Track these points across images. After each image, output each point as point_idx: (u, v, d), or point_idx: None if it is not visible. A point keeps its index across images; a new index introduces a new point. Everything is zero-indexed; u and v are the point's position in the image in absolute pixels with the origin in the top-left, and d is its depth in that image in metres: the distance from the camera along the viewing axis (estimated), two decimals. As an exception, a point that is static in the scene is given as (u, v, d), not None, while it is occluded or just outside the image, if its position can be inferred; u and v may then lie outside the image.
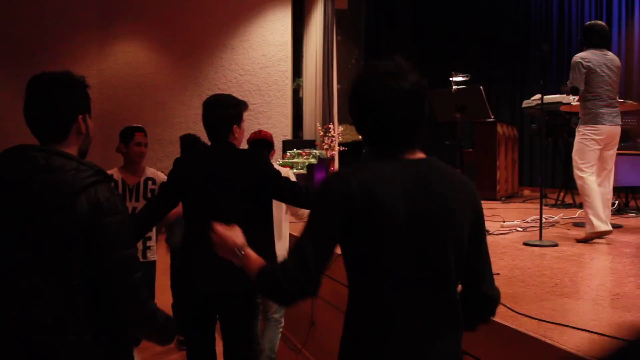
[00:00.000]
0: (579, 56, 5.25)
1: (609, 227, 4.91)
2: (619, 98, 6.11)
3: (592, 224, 4.88)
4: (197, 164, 3.23)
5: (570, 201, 8.20)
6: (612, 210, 6.87)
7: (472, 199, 1.78)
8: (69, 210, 1.81)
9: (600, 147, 5.18)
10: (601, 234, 4.88)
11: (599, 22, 5.45)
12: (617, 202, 7.17)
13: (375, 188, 1.65)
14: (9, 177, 1.87)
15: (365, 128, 1.77)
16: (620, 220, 6.35)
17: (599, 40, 5.27)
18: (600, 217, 4.88)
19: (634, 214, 6.98)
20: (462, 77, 6.03)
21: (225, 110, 3.20)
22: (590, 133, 5.16)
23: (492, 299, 1.86)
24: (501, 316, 2.53)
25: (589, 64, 5.18)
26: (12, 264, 1.83)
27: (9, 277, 1.84)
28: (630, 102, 6.23)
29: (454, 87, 5.79)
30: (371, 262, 1.68)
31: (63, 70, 2.10)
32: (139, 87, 14.09)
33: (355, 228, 1.65)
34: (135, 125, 4.55)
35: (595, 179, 5.13)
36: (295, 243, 1.69)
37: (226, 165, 3.12)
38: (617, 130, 5.23)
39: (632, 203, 7.72)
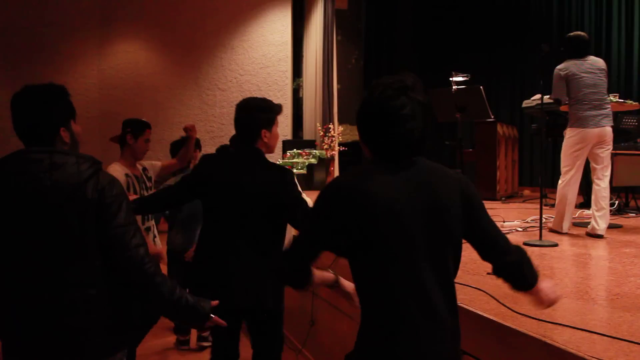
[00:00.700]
0: (557, 67, 5.48)
1: (564, 230, 5.36)
2: (619, 98, 6.12)
3: (556, 223, 5.41)
4: (222, 166, 3.17)
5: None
6: (612, 211, 6.89)
7: (459, 187, 1.90)
8: (79, 198, 2.05)
9: (583, 149, 5.35)
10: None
11: (578, 33, 5.63)
12: (617, 202, 7.17)
13: (373, 190, 1.76)
14: (20, 179, 2.07)
15: (365, 137, 1.89)
16: (620, 220, 6.35)
17: (579, 50, 5.45)
18: (561, 219, 5.36)
19: (634, 214, 6.98)
20: (462, 77, 6.04)
21: (254, 114, 3.11)
22: (574, 137, 5.36)
23: (510, 264, 2.03)
24: (501, 316, 2.53)
25: (566, 72, 5.43)
26: (39, 255, 2.05)
27: (37, 267, 2.05)
28: (630, 102, 6.23)
29: (454, 87, 5.80)
30: (375, 259, 1.77)
31: (44, 83, 2.27)
32: (139, 87, 14.09)
33: (356, 230, 1.76)
34: (144, 120, 4.49)
35: (573, 180, 5.39)
36: (295, 241, 1.89)
37: (249, 176, 3.05)
38: (605, 131, 5.33)
39: (632, 203, 7.72)
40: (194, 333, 5.41)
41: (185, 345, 5.37)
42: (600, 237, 5.10)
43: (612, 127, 5.39)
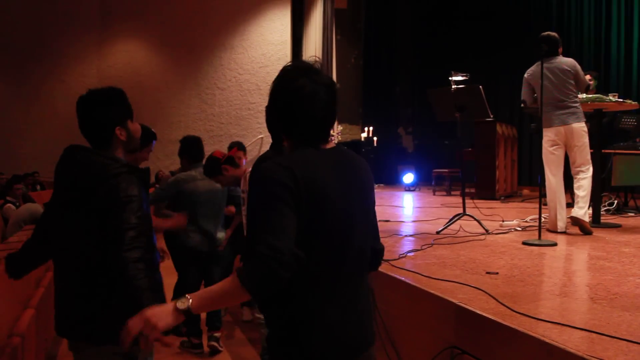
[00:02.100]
0: (526, 72, 5.76)
1: (560, 230, 5.43)
2: (619, 97, 6.12)
3: (551, 223, 5.51)
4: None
5: (569, 201, 8.19)
6: (611, 210, 6.90)
7: (370, 176, 2.05)
8: (97, 194, 2.32)
9: (558, 147, 5.54)
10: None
11: (547, 33, 5.72)
12: (616, 201, 7.18)
13: (312, 172, 1.82)
14: (61, 171, 2.48)
15: (291, 121, 1.89)
16: (619, 220, 6.36)
17: (549, 51, 5.54)
18: (553, 219, 5.47)
19: (633, 214, 6.99)
20: (462, 76, 6.03)
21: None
22: (545, 136, 5.54)
23: (380, 251, 2.15)
24: (500, 315, 2.54)
25: (530, 76, 5.70)
26: (64, 241, 2.41)
27: (62, 254, 2.42)
28: (629, 101, 6.23)
29: (453, 86, 5.79)
30: (313, 237, 1.80)
31: (104, 87, 2.57)
32: (139, 86, 14.09)
33: (300, 208, 1.78)
34: (152, 130, 4.40)
35: (554, 180, 5.55)
36: (262, 230, 1.72)
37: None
38: (570, 129, 5.46)
39: (631, 202, 7.73)
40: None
41: (199, 348, 5.32)
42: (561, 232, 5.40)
43: (582, 123, 5.51)
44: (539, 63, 5.47)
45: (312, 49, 14.10)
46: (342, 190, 1.86)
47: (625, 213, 7.02)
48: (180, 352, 5.27)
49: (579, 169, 5.52)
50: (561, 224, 5.44)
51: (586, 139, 5.50)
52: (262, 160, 3.06)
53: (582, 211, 5.36)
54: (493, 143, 9.39)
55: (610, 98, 6.11)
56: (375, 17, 16.09)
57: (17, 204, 9.87)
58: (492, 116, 6.12)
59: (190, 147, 5.42)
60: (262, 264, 1.65)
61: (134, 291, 2.16)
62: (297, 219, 1.74)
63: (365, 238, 1.96)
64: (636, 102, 6.23)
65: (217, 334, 5.34)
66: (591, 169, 5.55)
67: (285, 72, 1.92)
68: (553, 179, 5.54)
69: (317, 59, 1.98)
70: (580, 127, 5.45)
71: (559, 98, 5.49)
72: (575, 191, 5.50)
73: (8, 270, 2.66)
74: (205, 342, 5.32)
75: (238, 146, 6.01)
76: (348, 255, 1.88)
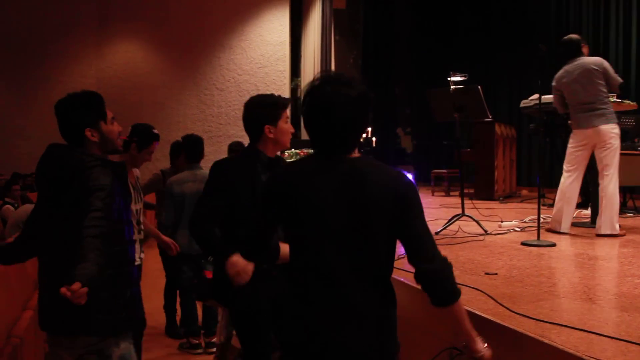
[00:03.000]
0: (553, 80, 5.71)
1: (562, 230, 5.42)
2: (617, 98, 6.13)
3: (554, 222, 5.51)
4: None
5: (579, 201, 8.18)
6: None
7: (394, 187, 1.94)
8: (73, 185, 2.47)
9: (583, 150, 5.50)
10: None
11: (570, 36, 5.76)
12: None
13: (301, 183, 1.93)
14: (42, 167, 2.62)
15: (314, 128, 1.96)
16: (618, 220, 6.35)
17: (569, 53, 5.59)
18: (556, 217, 5.47)
19: (631, 214, 6.99)
20: (460, 77, 6.03)
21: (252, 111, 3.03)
22: (572, 137, 5.56)
23: (423, 274, 1.94)
24: (500, 316, 2.54)
25: (556, 83, 5.66)
26: (46, 235, 2.57)
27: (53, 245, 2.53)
28: (627, 102, 6.24)
29: (452, 87, 5.79)
30: (294, 242, 2.00)
31: (82, 91, 2.73)
32: (137, 86, 14.08)
33: (285, 219, 2.00)
34: (154, 130, 4.36)
35: (567, 178, 5.55)
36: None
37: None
38: (597, 131, 5.40)
39: (629, 203, 7.72)
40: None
41: (197, 348, 5.31)
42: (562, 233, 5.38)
43: (612, 125, 5.41)
44: (565, 66, 5.51)
45: (311, 49, 14.11)
46: (326, 202, 1.90)
47: (624, 214, 7.02)
48: (179, 352, 5.27)
49: (603, 171, 5.45)
50: (567, 225, 5.42)
51: (615, 141, 5.42)
52: (219, 163, 3.07)
53: (607, 227, 5.27)
54: (492, 143, 9.38)
55: (610, 98, 6.11)
56: (373, 18, 16.10)
57: (16, 205, 9.86)
58: (490, 116, 6.13)
59: (194, 146, 5.37)
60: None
61: (80, 260, 2.20)
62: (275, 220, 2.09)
63: (359, 253, 1.91)
64: (635, 103, 6.24)
65: (213, 340, 5.34)
66: (615, 174, 5.45)
67: (313, 80, 1.97)
68: (566, 176, 5.52)
69: (351, 72, 2.06)
70: (609, 128, 5.38)
71: (587, 100, 5.43)
72: (600, 194, 5.44)
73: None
74: (203, 342, 5.32)
75: (241, 147, 5.96)
76: (326, 269, 1.91)
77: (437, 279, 1.94)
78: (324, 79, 1.94)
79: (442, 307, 1.96)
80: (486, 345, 2.03)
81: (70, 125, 2.66)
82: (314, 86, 1.94)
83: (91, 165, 2.51)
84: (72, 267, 2.18)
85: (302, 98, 1.99)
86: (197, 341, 5.29)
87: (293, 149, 10.65)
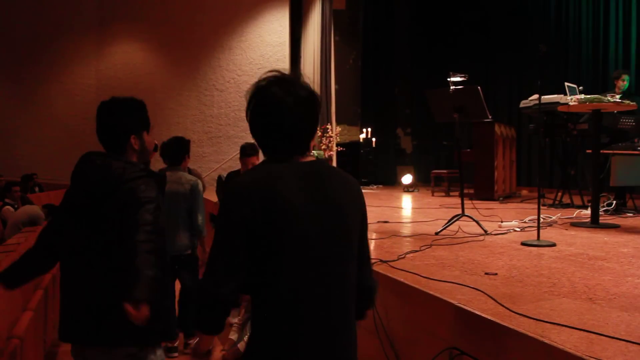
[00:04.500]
0: None
1: None
2: (625, 99, 6.12)
3: None
4: None
5: (568, 201, 8.21)
6: (610, 210, 6.91)
7: (357, 197, 1.92)
8: (115, 196, 2.41)
9: None
10: None
11: None
12: (614, 202, 7.18)
13: (274, 190, 1.73)
14: (79, 175, 2.54)
15: (262, 132, 1.84)
16: (617, 220, 6.37)
17: None
18: None
19: (631, 214, 6.99)
20: (460, 77, 6.03)
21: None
22: None
23: (370, 289, 2.00)
24: (499, 316, 2.54)
25: None
26: (75, 245, 2.47)
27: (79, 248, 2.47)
28: (627, 102, 6.23)
29: (451, 87, 5.79)
30: (275, 259, 1.73)
31: (127, 97, 2.66)
32: (137, 87, 14.07)
33: (259, 232, 1.72)
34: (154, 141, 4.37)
35: None
36: (209, 262, 1.76)
37: None
38: None
39: (629, 203, 7.73)
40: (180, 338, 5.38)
41: (174, 351, 5.30)
42: None
43: None
44: None
45: (311, 50, 14.11)
46: (309, 208, 1.76)
47: (624, 213, 7.03)
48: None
49: None
50: None
51: None
52: (231, 177, 3.05)
53: None
54: (492, 144, 9.39)
55: (609, 99, 6.12)
56: (373, 18, 16.11)
57: (16, 206, 9.87)
58: (490, 117, 6.13)
59: (167, 149, 5.39)
60: (201, 308, 1.74)
61: (140, 278, 2.19)
62: (252, 246, 1.72)
63: (345, 263, 1.83)
64: (634, 103, 6.23)
65: (190, 341, 5.35)
66: None
67: (257, 82, 1.87)
68: None
69: (298, 72, 1.92)
70: None
71: None
72: None
73: (3, 280, 2.61)
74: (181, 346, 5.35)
75: (254, 150, 5.92)
76: (321, 279, 1.77)
77: (372, 296, 2.03)
78: (271, 80, 1.84)
79: (360, 319, 2.01)
80: None
81: (115, 131, 2.58)
82: (260, 87, 1.84)
83: (137, 177, 2.46)
84: (125, 282, 2.17)
85: (248, 100, 1.87)
86: (172, 345, 5.27)
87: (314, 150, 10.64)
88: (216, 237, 1.76)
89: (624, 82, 8.11)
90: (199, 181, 5.33)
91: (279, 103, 1.79)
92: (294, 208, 1.73)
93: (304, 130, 1.84)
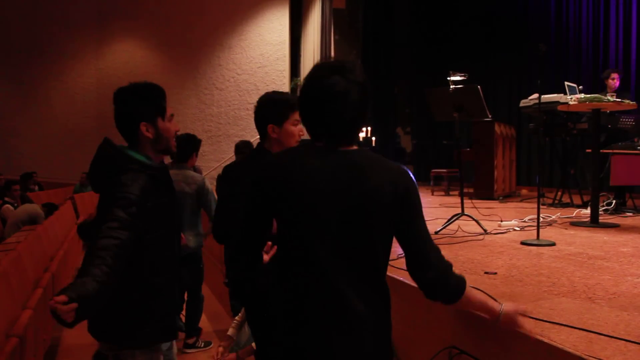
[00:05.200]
0: None
1: None
2: (617, 98, 6.13)
3: None
4: None
5: (568, 200, 8.21)
6: (609, 210, 6.91)
7: (395, 182, 1.83)
8: (106, 188, 2.40)
9: None
10: None
11: None
12: (614, 201, 7.18)
13: (294, 176, 1.78)
14: (91, 163, 2.52)
15: (319, 120, 1.82)
16: (617, 220, 6.37)
17: None
18: None
19: (631, 213, 6.99)
20: (460, 76, 6.02)
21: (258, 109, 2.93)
22: None
23: (425, 283, 1.95)
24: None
25: None
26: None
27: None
28: (627, 102, 6.23)
29: (451, 86, 5.78)
30: (286, 241, 1.83)
31: (140, 82, 2.61)
32: (137, 86, 14.06)
33: (277, 212, 1.83)
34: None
35: None
36: (237, 235, 1.92)
37: None
38: None
39: (629, 202, 7.73)
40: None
41: (191, 347, 5.32)
42: None
43: None
44: None
45: (311, 49, 14.12)
46: (328, 196, 1.76)
47: (624, 213, 7.03)
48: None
49: None
50: None
51: None
52: (228, 170, 3.05)
53: None
54: (491, 143, 9.38)
55: (609, 98, 6.11)
56: (373, 17, 16.10)
57: (15, 204, 9.87)
58: (490, 116, 6.13)
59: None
60: (231, 274, 1.97)
61: (84, 275, 2.07)
62: (268, 216, 1.86)
63: (355, 252, 1.80)
64: (634, 103, 6.24)
65: (189, 341, 5.36)
66: None
67: (317, 69, 1.84)
68: None
69: (352, 61, 1.89)
70: None
71: None
72: None
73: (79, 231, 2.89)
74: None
75: (245, 146, 5.94)
76: (320, 270, 1.76)
77: (437, 287, 1.96)
78: (330, 67, 1.81)
79: (450, 305, 2.02)
80: (502, 306, 2.15)
81: (125, 118, 2.52)
82: (320, 74, 1.81)
83: (125, 169, 2.39)
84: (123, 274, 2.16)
85: (303, 86, 1.85)
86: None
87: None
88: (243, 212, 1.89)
89: (614, 81, 8.12)
90: (206, 179, 5.32)
91: (341, 92, 1.77)
92: (305, 193, 1.76)
93: (359, 119, 1.84)
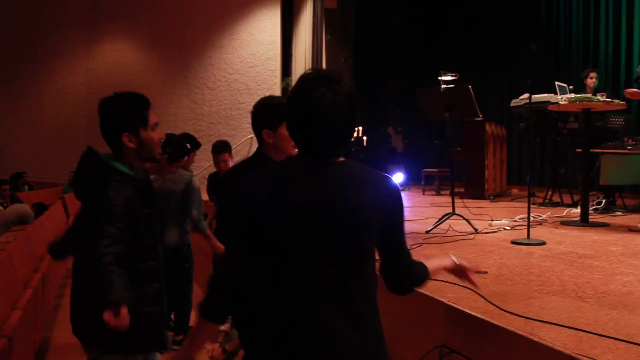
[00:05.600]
0: None
1: None
2: (607, 97, 6.17)
3: None
4: None
5: (558, 200, 8.24)
6: (599, 209, 6.95)
7: (380, 196, 1.81)
8: (90, 198, 2.47)
9: None
10: None
11: None
12: (603, 200, 7.21)
13: (280, 190, 1.75)
14: (75, 171, 2.58)
15: (307, 133, 1.79)
16: (607, 219, 6.40)
17: None
18: None
19: (620, 213, 7.03)
20: (451, 76, 6.04)
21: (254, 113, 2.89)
22: None
23: (401, 288, 1.99)
24: (489, 314, 2.55)
25: None
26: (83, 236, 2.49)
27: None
28: (617, 101, 6.27)
29: (442, 86, 5.80)
30: (276, 261, 1.77)
31: (123, 92, 2.63)
32: (128, 86, 13.95)
33: (261, 230, 1.76)
34: (187, 145, 4.35)
35: None
36: (225, 254, 1.86)
37: None
38: None
39: (618, 202, 7.77)
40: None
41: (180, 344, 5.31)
42: None
43: None
44: None
45: (302, 48, 14.11)
46: (309, 211, 1.72)
47: (613, 212, 7.06)
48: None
49: None
50: None
51: None
52: (211, 178, 3.06)
53: None
54: (482, 142, 9.41)
55: (599, 98, 6.15)
56: (365, 17, 16.11)
57: (5, 204, 9.82)
58: (481, 116, 6.15)
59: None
60: (210, 300, 1.83)
61: (104, 287, 2.17)
62: (257, 241, 1.78)
63: (345, 269, 1.75)
64: (624, 102, 6.28)
65: (178, 338, 5.34)
66: None
67: (303, 80, 1.80)
68: None
69: (339, 71, 1.85)
70: None
71: None
72: None
73: (50, 252, 2.86)
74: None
75: (224, 146, 5.95)
76: (311, 280, 1.72)
77: (409, 292, 2.01)
78: (317, 78, 1.77)
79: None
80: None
81: (108, 128, 2.56)
82: (307, 86, 1.77)
83: (108, 180, 2.43)
84: (99, 291, 2.17)
85: (290, 99, 1.82)
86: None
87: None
88: (229, 232, 1.87)
89: (592, 80, 8.16)
90: (194, 177, 5.29)
91: (329, 103, 1.73)
92: (294, 207, 1.73)
93: (348, 131, 1.81)
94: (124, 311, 2.08)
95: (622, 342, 2.16)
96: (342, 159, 1.83)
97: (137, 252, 2.45)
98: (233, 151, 6.14)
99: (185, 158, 4.34)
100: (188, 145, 4.35)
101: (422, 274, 2.01)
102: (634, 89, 6.42)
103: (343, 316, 1.73)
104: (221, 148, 5.90)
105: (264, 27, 14.95)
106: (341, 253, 1.75)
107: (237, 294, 1.79)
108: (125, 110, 2.56)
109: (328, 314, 1.72)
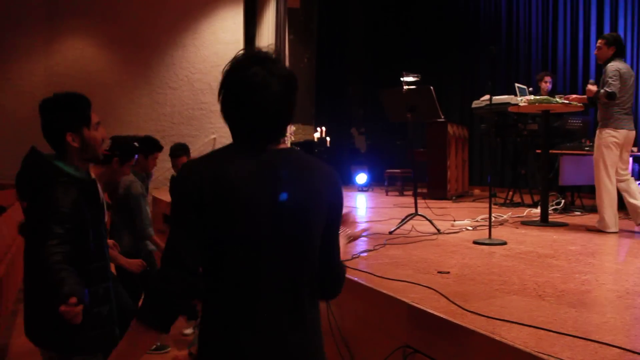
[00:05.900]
0: (614, 66, 5.59)
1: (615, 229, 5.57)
2: (565, 100, 6.29)
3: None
4: None
5: (519, 200, 8.37)
6: (559, 209, 7.07)
7: (324, 188, 1.72)
8: (35, 200, 2.46)
9: (619, 150, 5.61)
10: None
11: (618, 34, 5.97)
12: (562, 201, 7.35)
13: (228, 177, 1.59)
14: (19, 172, 2.56)
15: (239, 115, 1.66)
16: (566, 219, 6.52)
17: (623, 51, 5.78)
18: (611, 219, 5.54)
19: (579, 213, 7.17)
20: (413, 77, 6.08)
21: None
22: (612, 138, 5.57)
23: (331, 277, 1.81)
24: (452, 314, 2.57)
25: (624, 73, 5.58)
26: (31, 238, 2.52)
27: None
28: (575, 103, 6.39)
29: (404, 87, 5.83)
30: (228, 250, 1.62)
31: (64, 92, 2.62)
32: (88, 84, 13.76)
33: (210, 218, 1.59)
34: (135, 143, 4.22)
35: (612, 182, 5.61)
36: (166, 247, 1.62)
37: None
38: (633, 134, 5.68)
39: (577, 202, 7.92)
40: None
41: (164, 349, 5.22)
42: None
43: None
44: (622, 62, 5.65)
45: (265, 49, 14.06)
46: (263, 198, 1.61)
47: (572, 212, 7.20)
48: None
49: (624, 172, 5.68)
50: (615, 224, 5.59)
51: None
52: (173, 181, 3.01)
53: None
54: (444, 143, 9.50)
55: (557, 100, 6.26)
56: (328, 17, 16.12)
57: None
58: (443, 117, 6.20)
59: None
60: (155, 297, 1.59)
61: (55, 285, 2.17)
62: (203, 229, 1.59)
63: (299, 259, 1.67)
64: (581, 105, 6.40)
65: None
66: None
67: (236, 60, 1.67)
68: (612, 180, 5.60)
69: (274, 49, 1.72)
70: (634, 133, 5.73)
71: (631, 101, 5.70)
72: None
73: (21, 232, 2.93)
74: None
75: (182, 150, 5.84)
76: (266, 273, 1.62)
77: (341, 281, 1.87)
78: (251, 57, 1.66)
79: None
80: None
81: (51, 128, 2.55)
82: (239, 65, 1.65)
83: (55, 182, 2.43)
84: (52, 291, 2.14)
85: (222, 80, 1.67)
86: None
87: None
88: (170, 222, 1.64)
89: (546, 84, 8.34)
90: (133, 183, 4.87)
91: (261, 84, 1.62)
92: (243, 193, 1.59)
93: (284, 114, 1.67)
94: (79, 308, 2.10)
95: (580, 340, 2.20)
96: (285, 145, 1.74)
97: (84, 254, 2.45)
98: (197, 151, 6.06)
99: (136, 157, 4.20)
100: (136, 143, 4.23)
101: (344, 273, 1.89)
102: (576, 95, 6.58)
103: (290, 318, 1.66)
104: (179, 152, 5.79)
105: (227, 27, 14.84)
106: (293, 243, 1.65)
107: (190, 287, 1.59)
108: (68, 110, 2.56)
109: (276, 313, 1.64)
